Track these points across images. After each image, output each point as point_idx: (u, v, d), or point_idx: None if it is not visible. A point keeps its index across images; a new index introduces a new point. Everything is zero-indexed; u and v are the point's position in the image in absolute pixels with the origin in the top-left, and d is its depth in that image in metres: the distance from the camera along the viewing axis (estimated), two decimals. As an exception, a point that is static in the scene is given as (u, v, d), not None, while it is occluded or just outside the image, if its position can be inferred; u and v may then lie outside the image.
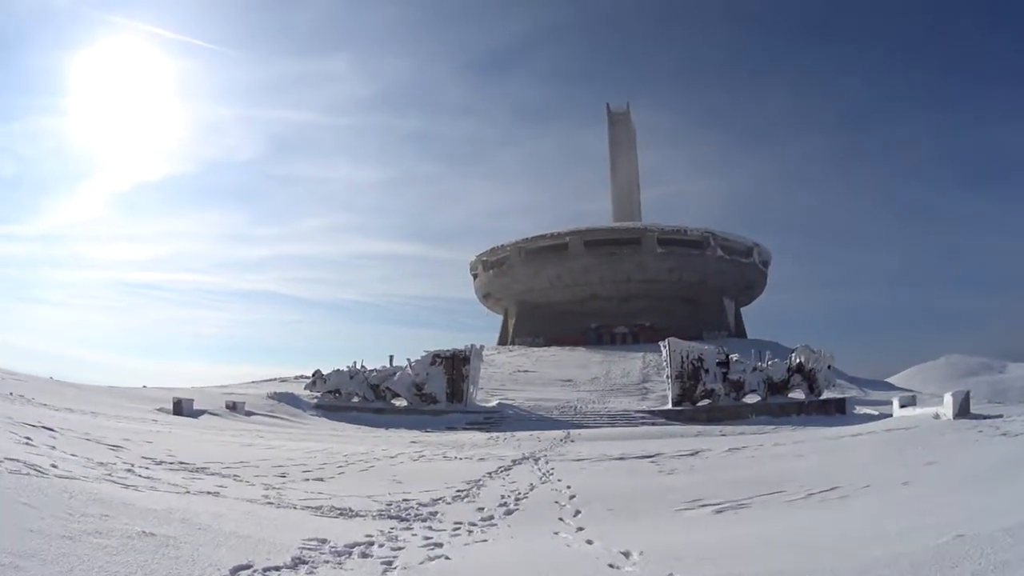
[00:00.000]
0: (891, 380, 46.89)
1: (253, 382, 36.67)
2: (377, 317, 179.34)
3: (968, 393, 15.56)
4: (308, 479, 9.24)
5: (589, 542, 5.67)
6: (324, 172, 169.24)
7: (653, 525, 6.56)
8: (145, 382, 31.24)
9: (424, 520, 6.54)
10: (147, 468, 8.45)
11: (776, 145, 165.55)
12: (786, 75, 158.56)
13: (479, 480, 9.67)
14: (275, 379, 37.86)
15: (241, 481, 8.48)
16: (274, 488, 8.04)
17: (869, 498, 7.36)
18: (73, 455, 8.11)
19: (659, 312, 57.37)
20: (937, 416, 15.38)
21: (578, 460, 12.66)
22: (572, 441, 17.57)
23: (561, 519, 6.88)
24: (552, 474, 10.53)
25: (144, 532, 4.39)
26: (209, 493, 6.97)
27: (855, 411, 24.91)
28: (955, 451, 10.41)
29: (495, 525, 6.47)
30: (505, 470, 11.11)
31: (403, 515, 6.73)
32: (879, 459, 10.67)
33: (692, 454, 12.98)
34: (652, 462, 12.05)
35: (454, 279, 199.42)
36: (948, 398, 15.36)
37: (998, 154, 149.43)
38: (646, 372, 37.41)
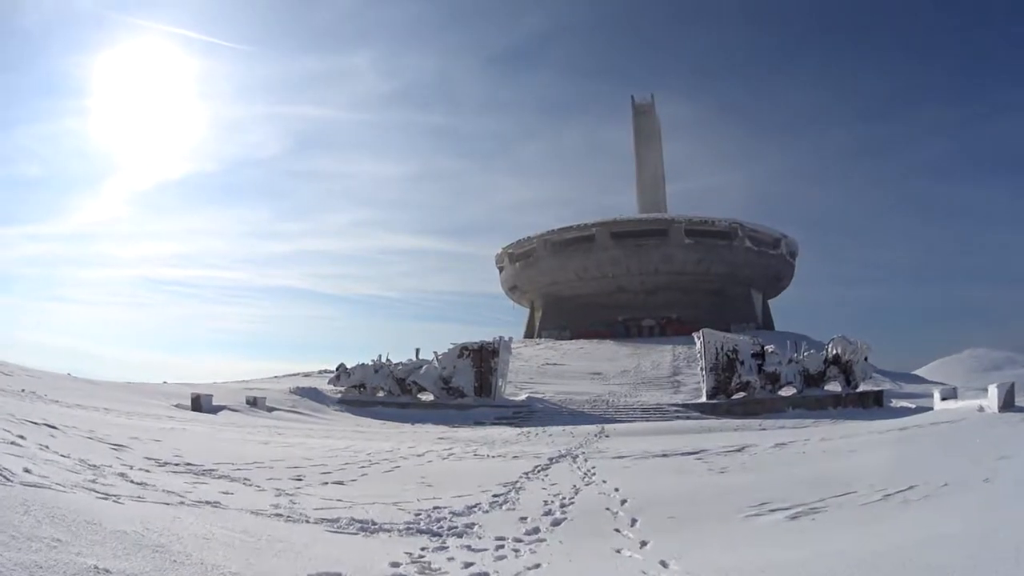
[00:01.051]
0: (916, 374, 45.45)
1: (275, 377, 36.07)
2: (401, 312, 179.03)
3: (1013, 385, 14.60)
4: (327, 482, 8.50)
5: (663, 564, 4.81)
6: (347, 168, 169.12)
7: (727, 537, 5.72)
8: (166, 378, 30.90)
9: (460, 535, 5.72)
10: (146, 471, 7.70)
11: (795, 140, 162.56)
12: (804, 70, 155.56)
13: (516, 482, 8.86)
14: (298, 374, 37.27)
15: (251, 486, 7.73)
16: (286, 494, 7.27)
17: (957, 498, 6.51)
18: (64, 456, 7.35)
19: (686, 304, 56.20)
20: (981, 409, 14.55)
21: (619, 458, 11.86)
22: (607, 436, 16.82)
23: (618, 530, 6.06)
24: (594, 474, 9.73)
25: (97, 568, 3.48)
26: (208, 503, 6.15)
27: (891, 404, 23.94)
28: (1018, 443, 9.68)
29: (544, 540, 5.63)
30: (542, 469, 10.32)
31: (435, 528, 5.92)
32: (941, 454, 9.89)
33: (739, 450, 12.16)
34: (699, 459, 11.25)
35: (479, 273, 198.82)
36: (992, 390, 14.46)
37: (1015, 147, 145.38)
38: (676, 365, 36.46)
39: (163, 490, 6.47)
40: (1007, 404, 13.93)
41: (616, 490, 8.12)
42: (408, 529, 5.85)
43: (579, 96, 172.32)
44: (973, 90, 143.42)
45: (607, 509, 7.01)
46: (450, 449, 13.64)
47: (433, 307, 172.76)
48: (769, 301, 63.71)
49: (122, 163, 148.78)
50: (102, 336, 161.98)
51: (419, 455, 12.31)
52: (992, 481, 6.99)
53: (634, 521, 6.39)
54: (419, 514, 6.51)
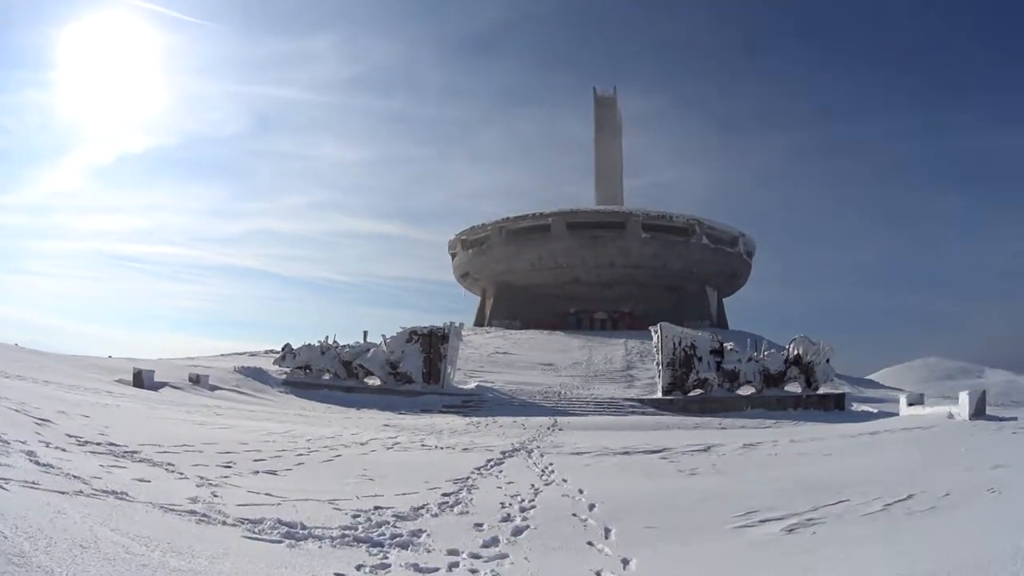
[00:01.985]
0: (871, 379, 45.83)
1: (222, 355, 35.07)
2: (355, 297, 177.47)
3: (984, 393, 14.14)
4: (258, 471, 7.48)
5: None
6: (307, 150, 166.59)
7: (721, 555, 4.82)
8: (114, 352, 29.67)
9: (405, 546, 4.71)
10: (62, 450, 6.73)
11: (757, 139, 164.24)
12: (769, 69, 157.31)
13: (467, 478, 7.86)
14: (244, 353, 36.24)
15: (172, 472, 6.71)
16: (210, 485, 6.23)
17: (969, 510, 5.75)
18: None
19: (640, 299, 55.84)
20: (951, 416, 14.12)
21: (577, 454, 10.94)
22: (560, 430, 15.98)
23: (592, 544, 5.10)
24: (553, 471, 8.79)
25: None
26: (113, 494, 5.08)
27: (852, 408, 23.58)
28: (1008, 452, 9.00)
29: (506, 556, 4.63)
30: (495, 464, 9.35)
31: (375, 536, 4.89)
32: (926, 461, 9.12)
33: (705, 450, 11.39)
34: (664, 459, 10.43)
35: (432, 260, 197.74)
36: (964, 397, 13.99)
37: (976, 159, 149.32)
38: (629, 359, 35.94)
39: (68, 475, 5.50)
40: (978, 412, 13.47)
41: (580, 492, 7.18)
42: (343, 537, 4.81)
43: (539, 86, 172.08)
44: (941, 99, 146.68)
45: (574, 515, 6.05)
46: (395, 438, 12.64)
47: (386, 293, 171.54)
48: (724, 299, 63.76)
49: (85, 136, 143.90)
50: (58, 309, 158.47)
51: (362, 443, 11.36)
52: (1000, 492, 6.26)
53: (608, 532, 5.45)
54: (358, 516, 5.48)
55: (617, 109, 74.13)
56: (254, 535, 4.64)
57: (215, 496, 5.72)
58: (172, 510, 4.96)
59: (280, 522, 4.99)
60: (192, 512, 4.99)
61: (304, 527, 4.94)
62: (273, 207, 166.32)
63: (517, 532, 5.30)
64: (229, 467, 7.48)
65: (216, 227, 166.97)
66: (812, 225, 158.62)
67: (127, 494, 5.17)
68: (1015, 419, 12.99)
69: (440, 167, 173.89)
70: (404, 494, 6.55)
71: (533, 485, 7.57)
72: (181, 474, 6.64)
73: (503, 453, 10.64)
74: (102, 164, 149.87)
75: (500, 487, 7.41)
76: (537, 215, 59.34)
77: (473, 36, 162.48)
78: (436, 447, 11.49)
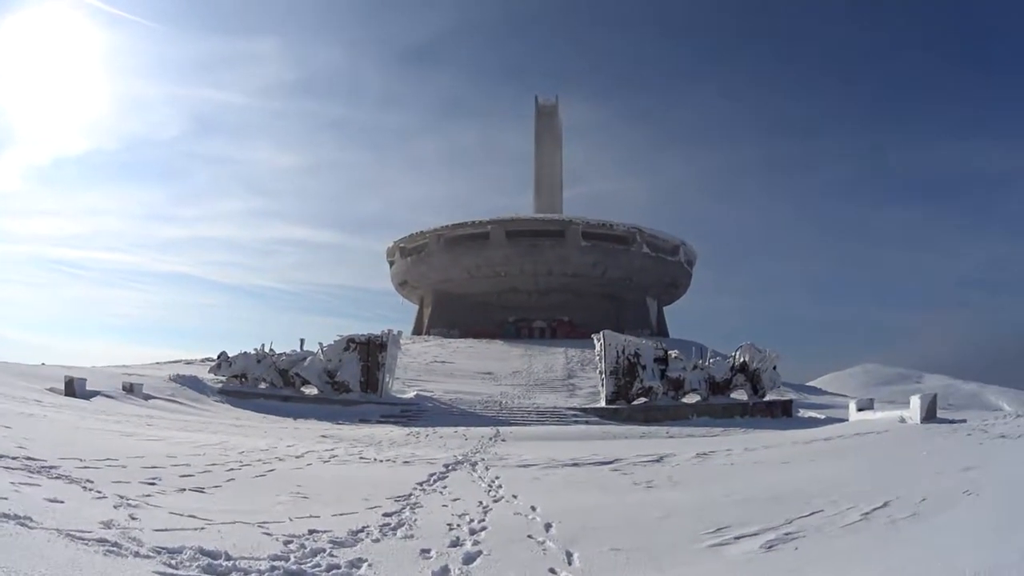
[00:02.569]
0: (812, 385, 46.52)
1: (158, 363, 33.88)
2: (292, 305, 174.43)
3: (935, 396, 14.30)
4: (185, 488, 6.68)
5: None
6: (245, 154, 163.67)
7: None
8: (51, 360, 28.16)
9: (342, 582, 3.99)
10: None
11: (700, 151, 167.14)
12: (714, 83, 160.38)
13: (410, 495, 7.16)
14: (180, 361, 35.10)
15: (90, 490, 5.87)
16: (129, 505, 5.43)
17: (951, 514, 5.41)
18: None
19: (580, 308, 55.70)
20: (903, 420, 14.11)
21: (524, 466, 10.34)
22: (503, 440, 15.40)
23: (554, 571, 4.49)
24: (501, 486, 8.16)
25: None
26: (15, 519, 4.26)
27: (799, 414, 23.61)
28: (972, 454, 8.72)
29: (461, 591, 3.97)
30: (439, 479, 8.69)
31: (309, 569, 4.18)
32: (891, 466, 8.90)
33: (657, 460, 10.92)
34: (616, 470, 9.92)
35: (370, 269, 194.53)
36: (915, 401, 14.08)
37: (918, 176, 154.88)
38: (570, 368, 35.62)
39: (-31, 497, 4.62)
40: (929, 415, 13.55)
41: (533, 509, 6.56)
42: (272, 570, 4.10)
43: (481, 97, 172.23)
44: (884, 117, 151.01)
45: (530, 537, 5.43)
46: (333, 450, 11.86)
47: (323, 301, 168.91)
48: (664, 308, 64.10)
49: (20, 136, 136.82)
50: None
51: (298, 456, 10.56)
52: (977, 494, 5.94)
53: (570, 556, 4.84)
54: (290, 542, 4.74)
55: (558, 118, 74.29)
56: (169, 569, 3.88)
57: (132, 519, 4.93)
58: (80, 538, 4.15)
59: (202, 551, 4.24)
60: (102, 541, 4.18)
61: (229, 557, 4.21)
62: (210, 212, 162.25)
63: (469, 559, 4.64)
64: (153, 483, 6.69)
65: (154, 232, 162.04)
66: (755, 236, 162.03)
67: (31, 519, 4.34)
68: (964, 421, 13.02)
69: (378, 175, 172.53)
70: (342, 515, 5.83)
71: (481, 502, 6.92)
72: (99, 492, 5.83)
73: (446, 466, 9.97)
74: (39, 165, 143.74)
75: (446, 505, 6.74)
76: (476, 223, 58.74)
77: (417, 45, 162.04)
78: (376, 460, 10.76)
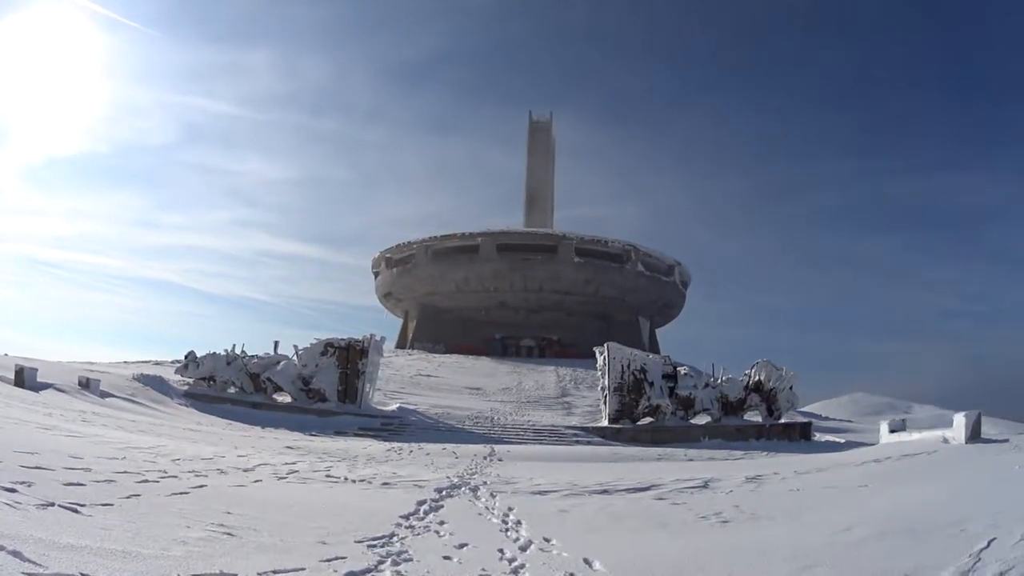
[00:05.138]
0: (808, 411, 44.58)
1: (125, 362, 31.49)
2: (275, 317, 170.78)
3: (980, 415, 13.12)
4: (53, 503, 4.55)
5: None
6: (234, 165, 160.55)
7: None
8: (17, 353, 25.66)
9: None
10: None
11: (691, 177, 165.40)
12: (705, 109, 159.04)
13: (391, 537, 4.83)
14: (149, 361, 32.44)
15: None
16: None
17: None
18: None
19: (569, 327, 53.25)
20: (945, 440, 12.95)
21: (540, 493, 8.09)
22: (501, 460, 13.17)
23: None
24: (520, 522, 5.87)
25: None
26: None
27: (815, 438, 21.40)
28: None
29: None
30: (432, 509, 6.38)
31: None
32: (995, 486, 7.26)
33: (703, 486, 8.96)
34: (660, 499, 7.92)
35: (355, 284, 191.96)
36: (959, 420, 12.93)
37: (904, 205, 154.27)
38: (563, 386, 33.35)
39: None
40: (974, 435, 12.59)
41: (589, 565, 4.24)
42: None
43: (472, 117, 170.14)
44: (871, 145, 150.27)
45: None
46: (294, 465, 9.55)
47: (307, 315, 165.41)
48: (656, 330, 61.75)
49: (16, 134, 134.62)
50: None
51: (246, 470, 8.35)
52: None
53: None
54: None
55: (551, 135, 72.19)
56: None
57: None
58: None
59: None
60: None
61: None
62: (197, 221, 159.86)
63: None
64: (13, 491, 4.61)
65: (139, 238, 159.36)
66: (745, 264, 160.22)
67: None
68: (1007, 440, 12.21)
69: (365, 191, 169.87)
70: (274, 572, 3.45)
71: (503, 552, 4.58)
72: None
73: (439, 491, 7.67)
74: (31, 165, 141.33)
75: (449, 557, 4.36)
76: (466, 235, 56.23)
77: (409, 63, 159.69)
78: (346, 479, 8.44)
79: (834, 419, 34.11)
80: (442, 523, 5.62)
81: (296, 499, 6.51)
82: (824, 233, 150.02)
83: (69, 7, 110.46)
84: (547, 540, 5.01)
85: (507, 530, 5.46)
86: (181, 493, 5.93)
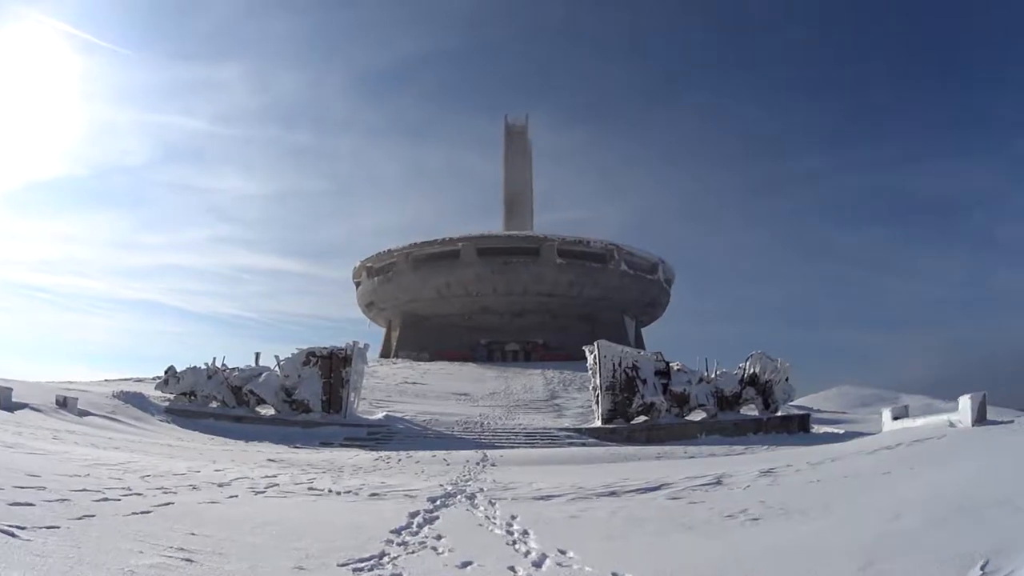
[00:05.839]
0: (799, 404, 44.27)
1: (105, 380, 30.43)
2: (258, 334, 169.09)
3: (985, 396, 12.52)
4: None
5: None
6: (211, 182, 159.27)
7: None
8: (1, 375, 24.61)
9: None
10: None
11: (674, 174, 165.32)
12: (686, 105, 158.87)
13: (381, 557, 4.15)
14: (130, 379, 31.49)
15: None
16: None
17: None
18: None
19: (554, 329, 52.55)
20: (951, 424, 12.51)
21: (544, 499, 7.42)
22: (494, 465, 12.60)
23: None
24: (527, 532, 5.19)
25: None
26: None
27: (812, 429, 20.90)
28: None
29: None
30: (426, 521, 5.70)
31: None
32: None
33: (716, 482, 8.39)
34: (675, 498, 7.32)
35: (336, 297, 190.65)
36: (965, 402, 12.44)
37: (890, 197, 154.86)
38: (552, 388, 32.78)
39: None
40: (980, 418, 12.17)
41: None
42: None
43: (448, 123, 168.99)
44: (857, 137, 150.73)
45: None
46: (274, 477, 8.85)
47: (290, 329, 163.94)
48: (642, 329, 61.24)
49: None
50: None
51: (221, 485, 7.65)
52: None
53: None
54: None
55: (528, 138, 71.58)
56: None
57: None
58: None
59: None
60: None
61: None
62: (177, 240, 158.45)
63: None
64: None
65: (122, 259, 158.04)
66: (730, 260, 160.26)
67: None
68: (1012, 422, 12.11)
69: (343, 202, 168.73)
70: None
71: (515, 570, 3.91)
72: None
73: (433, 501, 6.97)
74: (10, 190, 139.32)
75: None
76: (446, 240, 55.44)
77: (382, 69, 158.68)
78: (331, 491, 7.72)
79: (827, 411, 33.77)
80: (439, 537, 4.95)
81: (273, 516, 5.80)
82: (809, 226, 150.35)
83: (42, 29, 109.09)
84: (562, 552, 4.36)
85: (514, 542, 4.80)
86: (142, 512, 5.25)
